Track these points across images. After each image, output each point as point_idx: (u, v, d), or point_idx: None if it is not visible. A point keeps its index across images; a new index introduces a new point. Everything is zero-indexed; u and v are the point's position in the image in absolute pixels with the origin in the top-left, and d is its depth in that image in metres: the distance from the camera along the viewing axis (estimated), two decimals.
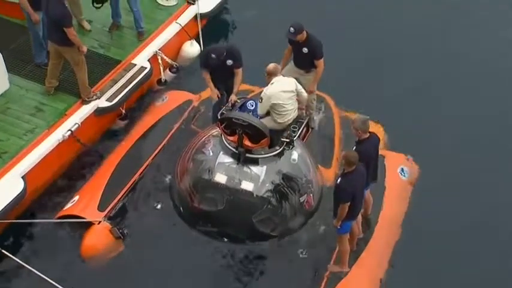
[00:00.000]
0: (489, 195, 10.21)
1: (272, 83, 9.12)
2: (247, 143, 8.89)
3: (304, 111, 9.81)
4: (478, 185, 10.32)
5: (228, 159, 9.11)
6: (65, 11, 9.75)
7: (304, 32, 9.88)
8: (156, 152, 10.14)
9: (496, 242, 9.67)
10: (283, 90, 9.08)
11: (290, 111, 9.17)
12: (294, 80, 9.35)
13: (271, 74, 9.20)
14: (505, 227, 9.86)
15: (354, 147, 8.57)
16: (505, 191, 10.31)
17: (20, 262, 8.73)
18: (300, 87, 9.33)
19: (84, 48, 9.98)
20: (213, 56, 9.77)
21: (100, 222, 9.10)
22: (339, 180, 8.23)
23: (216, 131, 9.44)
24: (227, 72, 9.98)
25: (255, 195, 9.02)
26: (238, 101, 9.72)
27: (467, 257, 9.46)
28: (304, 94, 9.40)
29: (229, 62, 9.87)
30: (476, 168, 10.57)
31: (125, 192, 9.57)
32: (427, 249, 9.47)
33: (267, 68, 9.25)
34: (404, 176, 10.08)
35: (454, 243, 9.59)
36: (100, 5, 11.55)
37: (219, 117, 9.32)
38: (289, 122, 9.29)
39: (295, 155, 9.20)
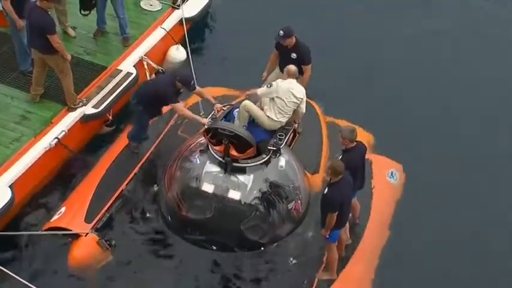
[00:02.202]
0: (479, 198, 10.36)
1: (285, 81, 9.35)
2: (233, 152, 8.92)
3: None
4: (468, 188, 10.45)
5: (215, 168, 9.13)
6: (48, 18, 9.67)
7: (294, 37, 10.00)
8: (142, 161, 10.10)
9: (485, 243, 9.80)
10: (292, 92, 9.26)
11: (284, 114, 9.33)
12: (304, 91, 9.49)
13: (291, 76, 9.42)
14: (494, 229, 9.99)
15: (341, 156, 8.64)
16: (494, 194, 10.46)
17: (8, 272, 8.60)
18: (304, 101, 9.49)
19: (68, 56, 9.93)
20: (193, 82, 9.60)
21: (87, 234, 9.06)
22: (325, 191, 8.26)
23: (202, 139, 9.45)
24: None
25: (242, 203, 9.05)
26: (224, 108, 9.73)
27: (458, 259, 9.59)
28: (303, 110, 9.55)
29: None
30: (466, 171, 10.71)
31: (112, 202, 9.51)
32: (416, 252, 9.58)
33: (289, 67, 9.48)
34: (393, 179, 10.17)
35: (444, 246, 9.72)
36: (88, 12, 11.57)
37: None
38: (278, 125, 9.39)
39: (282, 161, 9.25)
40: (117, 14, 11.45)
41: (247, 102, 9.41)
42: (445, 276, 9.34)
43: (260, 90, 9.34)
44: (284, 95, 9.25)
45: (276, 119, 9.33)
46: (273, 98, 9.25)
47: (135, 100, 9.79)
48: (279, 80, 9.39)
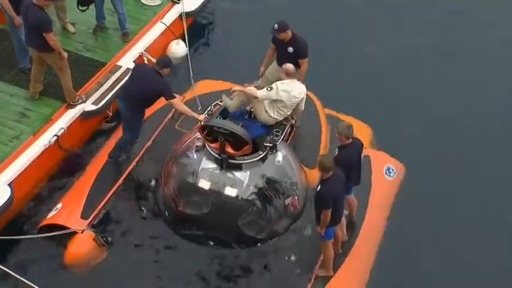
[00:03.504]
0: (477, 194, 10.30)
1: (284, 82, 9.26)
2: (229, 149, 8.89)
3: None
4: (466, 185, 10.38)
5: (211, 165, 9.11)
6: (44, 16, 9.62)
7: (289, 31, 9.83)
8: (139, 156, 10.06)
9: (485, 243, 9.75)
10: (293, 94, 9.23)
11: (283, 114, 9.31)
12: (305, 90, 9.43)
13: (289, 75, 9.31)
14: (494, 229, 9.93)
15: (336, 153, 8.59)
16: (492, 190, 10.40)
17: (4, 269, 8.69)
18: (304, 99, 9.45)
19: (65, 55, 9.89)
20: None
21: (83, 231, 9.06)
22: (318, 188, 8.21)
23: (199, 134, 9.42)
24: None
25: (239, 198, 9.04)
26: (221, 103, 9.68)
27: (457, 259, 9.54)
28: (302, 107, 9.53)
29: None
30: (464, 168, 10.64)
31: (109, 198, 9.49)
32: (416, 252, 9.56)
33: (287, 67, 9.34)
34: (390, 175, 10.11)
35: (441, 243, 9.69)
36: (85, 7, 11.51)
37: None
38: (274, 121, 9.37)
39: (279, 156, 9.19)
40: (116, 9, 11.41)
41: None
42: (444, 275, 9.30)
43: (260, 94, 9.19)
44: (284, 97, 9.18)
45: (274, 117, 9.30)
46: (274, 99, 9.20)
47: (125, 107, 9.62)
48: (279, 82, 9.26)
